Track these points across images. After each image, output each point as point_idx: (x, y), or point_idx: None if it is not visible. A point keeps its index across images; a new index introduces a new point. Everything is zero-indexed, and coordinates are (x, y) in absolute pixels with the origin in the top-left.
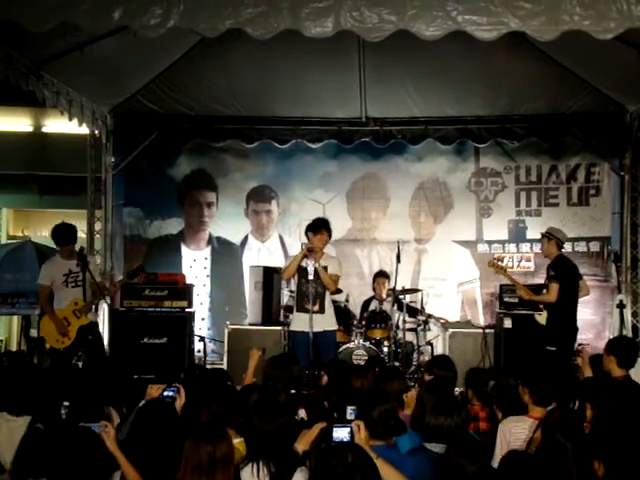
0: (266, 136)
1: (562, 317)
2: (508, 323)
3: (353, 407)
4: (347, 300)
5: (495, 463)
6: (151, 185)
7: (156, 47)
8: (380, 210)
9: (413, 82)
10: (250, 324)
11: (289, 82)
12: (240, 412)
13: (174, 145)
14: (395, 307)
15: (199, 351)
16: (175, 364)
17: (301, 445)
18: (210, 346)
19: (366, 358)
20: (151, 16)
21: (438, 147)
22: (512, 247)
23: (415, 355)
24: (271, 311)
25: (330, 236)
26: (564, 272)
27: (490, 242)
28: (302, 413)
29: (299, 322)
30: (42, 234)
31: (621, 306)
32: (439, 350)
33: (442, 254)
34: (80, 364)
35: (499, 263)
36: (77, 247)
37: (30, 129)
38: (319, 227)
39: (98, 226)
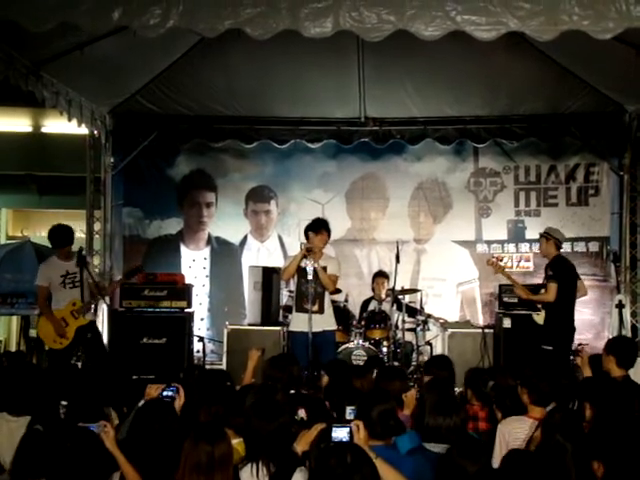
0: (265, 136)
1: (560, 317)
2: (507, 323)
3: (352, 407)
4: (346, 300)
5: (494, 463)
6: (150, 185)
7: (155, 47)
8: (379, 210)
9: (412, 82)
10: (249, 324)
11: (288, 82)
12: (239, 412)
13: (173, 145)
14: (394, 307)
15: (198, 351)
16: (174, 364)
17: (300, 445)
18: (209, 346)
19: (365, 358)
20: (150, 16)
21: (437, 147)
22: (511, 247)
23: (414, 355)
24: (270, 311)
25: (329, 236)
26: (562, 272)
27: (489, 242)
28: (302, 413)
29: (298, 322)
30: (41, 234)
31: (620, 306)
32: (438, 350)
33: (441, 254)
34: (79, 364)
35: (498, 262)
36: (76, 247)
37: (29, 129)
38: (319, 227)
39: (97, 226)
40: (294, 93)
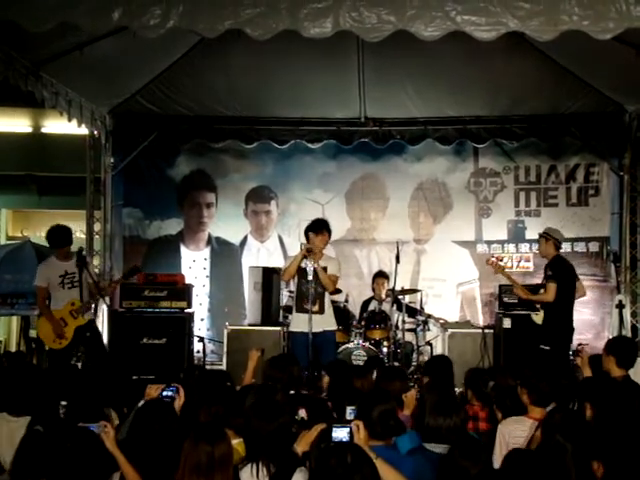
0: (265, 136)
1: (558, 317)
2: (507, 323)
3: (352, 407)
4: (346, 300)
5: (494, 464)
6: (150, 186)
7: (155, 48)
8: (379, 210)
9: (412, 82)
10: (249, 325)
11: (288, 83)
12: (239, 413)
13: (173, 146)
14: (394, 307)
15: (198, 352)
16: (174, 365)
17: (300, 446)
18: (209, 347)
19: (365, 358)
20: (150, 16)
21: (437, 147)
22: (511, 247)
23: (414, 355)
24: (270, 312)
25: (330, 237)
26: (561, 272)
27: (489, 242)
28: (302, 413)
29: (298, 322)
30: (41, 235)
31: (620, 306)
32: (439, 350)
33: (441, 254)
34: (79, 365)
35: (498, 262)
36: (77, 248)
37: (29, 130)
38: (320, 227)
39: (97, 227)
40: (294, 93)
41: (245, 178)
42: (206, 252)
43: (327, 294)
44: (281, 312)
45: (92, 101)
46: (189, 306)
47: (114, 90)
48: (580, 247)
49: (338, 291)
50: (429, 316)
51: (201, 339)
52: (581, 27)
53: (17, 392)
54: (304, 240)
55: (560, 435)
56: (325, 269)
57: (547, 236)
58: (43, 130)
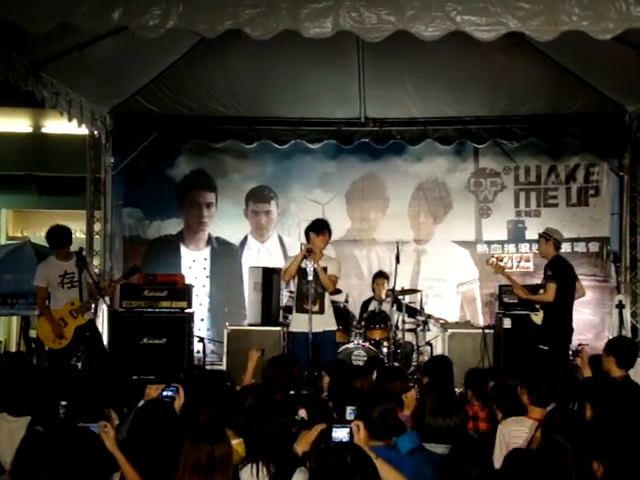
0: (265, 136)
1: (558, 317)
2: (507, 323)
3: (353, 407)
4: (346, 300)
5: (494, 464)
6: (150, 186)
7: (155, 48)
8: (379, 210)
9: (412, 82)
10: (249, 325)
11: (288, 83)
12: (239, 413)
13: (173, 146)
14: (394, 307)
15: (198, 352)
16: (174, 365)
17: (300, 446)
18: (209, 347)
19: (365, 358)
20: (150, 17)
21: (437, 147)
22: (511, 247)
23: (414, 355)
24: (270, 312)
25: (330, 237)
26: (561, 272)
27: (489, 242)
28: (302, 413)
29: (298, 323)
30: (41, 235)
31: (620, 306)
32: (439, 350)
33: (441, 254)
34: (79, 365)
35: (498, 262)
36: (77, 248)
37: (29, 130)
38: (321, 228)
39: (97, 227)
40: (294, 93)
41: (245, 178)
42: (206, 252)
43: (327, 294)
44: (281, 312)
45: (92, 101)
46: (189, 306)
47: (114, 90)
48: (580, 247)
49: (338, 291)
50: (429, 316)
51: (201, 339)
52: (581, 27)
53: (17, 392)
54: (304, 240)
55: (560, 435)
56: (325, 269)
57: (547, 236)
58: (43, 130)
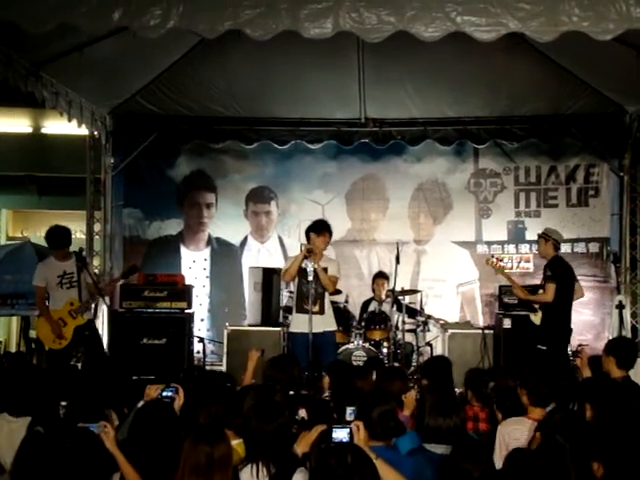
0: (265, 137)
1: (556, 317)
2: (507, 324)
3: (352, 408)
4: (346, 301)
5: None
6: (150, 186)
7: (155, 48)
8: (379, 211)
9: (412, 83)
10: (249, 325)
11: (288, 83)
12: (239, 413)
13: (173, 146)
14: (394, 308)
15: (198, 352)
16: (174, 365)
17: (300, 447)
18: (209, 347)
19: (365, 359)
20: (150, 17)
21: (437, 148)
22: (511, 248)
23: (414, 356)
24: (270, 312)
25: (331, 238)
26: (560, 273)
27: (489, 243)
28: (302, 413)
29: (299, 323)
30: (41, 235)
31: (620, 307)
32: (438, 351)
33: (441, 255)
34: (79, 365)
35: (497, 262)
36: (76, 248)
37: (29, 130)
38: (322, 228)
39: (97, 227)
40: (294, 94)
41: (245, 178)
42: (206, 252)
43: (327, 295)
44: (281, 313)
45: (92, 101)
46: (189, 306)
47: (114, 90)
48: (580, 248)
49: (338, 292)
50: (429, 317)
51: (201, 339)
52: (581, 28)
53: (17, 393)
54: (304, 240)
55: (559, 436)
56: (325, 270)
57: (546, 236)
58: (43, 130)
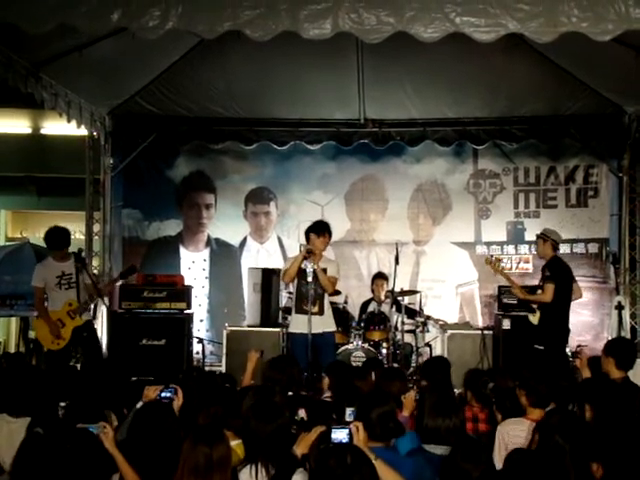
0: (265, 138)
1: (555, 317)
2: (507, 324)
3: (352, 409)
4: (346, 302)
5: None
6: (150, 187)
7: (154, 49)
8: (379, 212)
9: (412, 83)
10: (249, 326)
11: (288, 84)
12: (238, 414)
13: (173, 147)
14: (394, 309)
15: (198, 353)
16: (174, 366)
17: (300, 448)
18: (209, 348)
19: (364, 360)
20: (150, 18)
21: (436, 149)
22: (511, 249)
23: (414, 357)
24: (270, 313)
25: (331, 239)
26: (559, 273)
27: (489, 244)
28: (302, 413)
29: (298, 324)
30: (40, 236)
31: (619, 307)
32: (438, 351)
33: (440, 256)
34: (78, 366)
35: (497, 261)
36: (76, 249)
37: (28, 131)
38: (322, 229)
39: (97, 228)
40: (293, 95)
41: (244, 179)
42: (205, 253)
43: (326, 295)
44: (280, 313)
45: (91, 102)
46: (188, 307)
47: (113, 91)
48: (579, 248)
49: (337, 292)
50: (428, 317)
51: (200, 340)
52: (580, 29)
53: (16, 393)
54: (304, 241)
55: (559, 436)
56: (324, 270)
57: (545, 237)
58: (42, 131)
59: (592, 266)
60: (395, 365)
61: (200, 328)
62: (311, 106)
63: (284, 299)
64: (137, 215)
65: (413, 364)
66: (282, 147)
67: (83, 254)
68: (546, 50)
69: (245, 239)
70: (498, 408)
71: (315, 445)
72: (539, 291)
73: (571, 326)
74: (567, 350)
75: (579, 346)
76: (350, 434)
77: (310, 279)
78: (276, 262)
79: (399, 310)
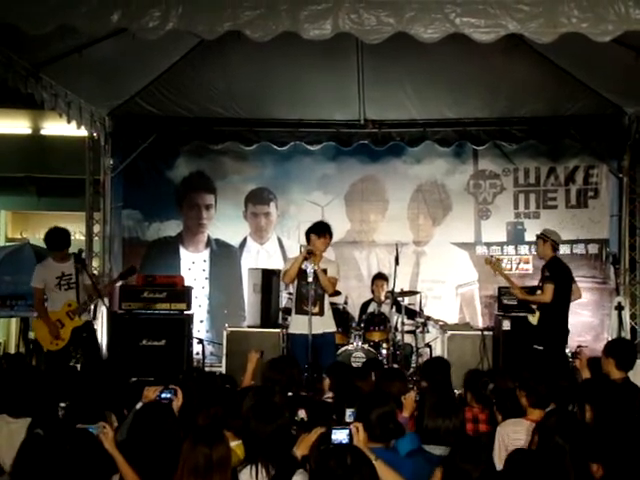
0: (265, 138)
1: (554, 318)
2: (507, 325)
3: (352, 409)
4: (346, 302)
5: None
6: (150, 187)
7: (155, 49)
8: (379, 212)
9: (411, 84)
10: (249, 326)
11: (288, 84)
12: (238, 414)
13: (173, 147)
14: (394, 309)
15: (198, 353)
16: (174, 366)
17: (300, 450)
18: (209, 348)
19: (364, 360)
20: (150, 18)
21: (436, 149)
22: (510, 249)
23: (414, 357)
24: (270, 313)
25: (331, 239)
26: (559, 273)
27: (489, 244)
28: (302, 414)
29: (298, 324)
30: (40, 236)
31: (619, 308)
32: (438, 352)
33: (440, 256)
34: (78, 366)
35: (497, 261)
36: (76, 249)
37: (29, 131)
38: (323, 230)
39: (97, 228)
40: (293, 95)
41: (244, 180)
42: (205, 254)
43: (327, 296)
44: (280, 314)
45: (91, 103)
46: (188, 308)
47: (113, 92)
48: (579, 249)
49: (337, 293)
50: (428, 318)
51: (200, 341)
52: (580, 29)
53: (16, 394)
54: (304, 242)
55: (559, 437)
56: (325, 271)
57: (544, 237)
58: (42, 132)
59: (592, 267)
60: (395, 366)
61: (200, 329)
62: (311, 107)
63: (284, 300)
64: (137, 216)
65: (413, 365)
66: (282, 148)
67: (83, 255)
68: (546, 51)
69: (245, 240)
70: (498, 409)
71: (315, 446)
72: (538, 291)
73: (571, 327)
74: (567, 351)
75: (579, 347)
76: (350, 435)
77: (310, 280)
78: (276, 263)
79: (399, 311)
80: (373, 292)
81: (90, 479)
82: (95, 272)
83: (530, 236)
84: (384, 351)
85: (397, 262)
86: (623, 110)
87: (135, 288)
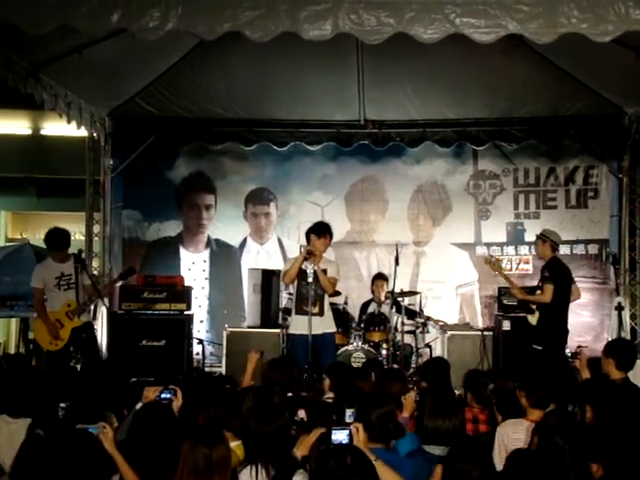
0: (264, 139)
1: (553, 318)
2: (507, 325)
3: (352, 410)
4: (346, 303)
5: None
6: (149, 188)
7: (154, 50)
8: (379, 213)
9: (411, 84)
10: (249, 327)
11: (287, 85)
12: (238, 415)
13: (172, 148)
14: (394, 309)
15: (198, 354)
16: (174, 367)
17: (300, 450)
18: (209, 349)
19: (364, 360)
20: (149, 19)
21: (436, 150)
22: (510, 249)
23: (414, 357)
24: (270, 314)
25: (331, 240)
26: (558, 274)
27: (489, 244)
28: (302, 414)
29: (298, 325)
30: (40, 237)
31: (619, 308)
32: (438, 352)
33: (440, 257)
34: (78, 367)
35: (497, 261)
36: (76, 250)
37: (28, 132)
38: (323, 231)
39: (97, 229)
40: (293, 95)
41: (244, 180)
42: (205, 254)
43: (326, 296)
44: (280, 314)
45: (91, 103)
46: (188, 308)
47: (113, 92)
48: (579, 249)
49: (337, 293)
50: (428, 318)
51: (200, 341)
52: (580, 30)
53: (16, 394)
54: (304, 242)
55: (559, 437)
56: (325, 272)
57: (544, 238)
58: (42, 132)
59: (592, 267)
60: (395, 366)
61: (200, 329)
62: (311, 107)
63: (284, 300)
64: (137, 216)
65: (413, 365)
66: (282, 148)
67: (83, 255)
68: (546, 51)
69: (245, 240)
70: (498, 409)
71: (315, 446)
72: (538, 292)
73: (571, 327)
74: (567, 351)
75: (579, 347)
76: (350, 435)
77: (310, 280)
78: (276, 263)
79: (399, 311)
80: (373, 292)
81: (90, 479)
82: (95, 272)
83: (530, 236)
84: (384, 351)
85: (397, 262)
86: (623, 110)
87: (135, 288)
